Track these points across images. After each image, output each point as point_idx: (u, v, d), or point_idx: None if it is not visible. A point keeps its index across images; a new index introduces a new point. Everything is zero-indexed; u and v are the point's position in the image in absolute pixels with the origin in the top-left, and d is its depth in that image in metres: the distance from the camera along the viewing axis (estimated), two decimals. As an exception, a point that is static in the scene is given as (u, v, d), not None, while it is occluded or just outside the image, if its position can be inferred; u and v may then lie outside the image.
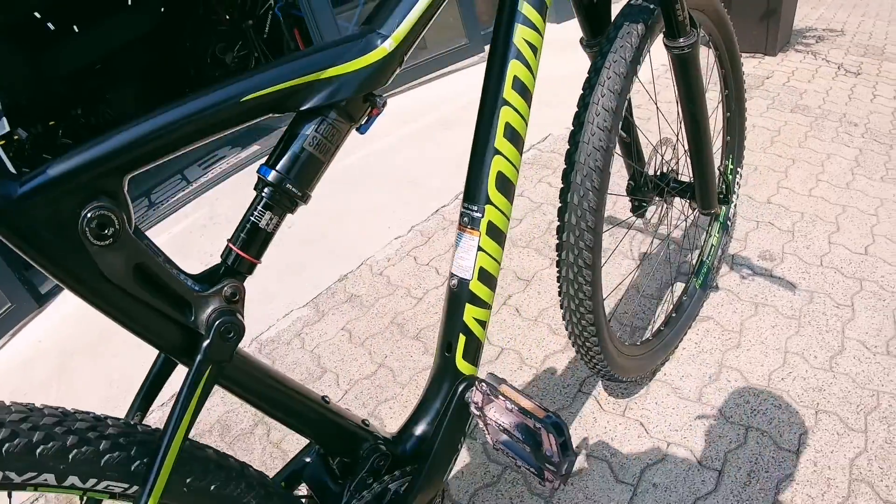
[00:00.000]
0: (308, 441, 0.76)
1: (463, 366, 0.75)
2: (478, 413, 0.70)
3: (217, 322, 0.55)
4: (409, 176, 2.66)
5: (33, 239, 0.51)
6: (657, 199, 1.28)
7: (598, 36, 1.05)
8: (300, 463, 0.77)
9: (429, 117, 3.25)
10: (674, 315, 1.44)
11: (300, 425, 0.70)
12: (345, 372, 1.58)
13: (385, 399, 1.48)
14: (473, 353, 0.75)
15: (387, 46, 0.61)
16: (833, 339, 1.39)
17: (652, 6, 0.95)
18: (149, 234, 2.22)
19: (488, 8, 4.12)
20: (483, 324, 0.75)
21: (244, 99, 0.55)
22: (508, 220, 0.76)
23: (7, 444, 0.48)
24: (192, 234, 2.87)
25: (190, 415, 0.55)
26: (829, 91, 2.75)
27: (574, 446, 1.14)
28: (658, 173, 1.28)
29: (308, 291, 2.00)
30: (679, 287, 1.58)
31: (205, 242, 2.74)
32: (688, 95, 1.08)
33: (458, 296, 0.74)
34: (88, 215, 0.50)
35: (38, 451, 0.49)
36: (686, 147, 1.19)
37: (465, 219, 0.75)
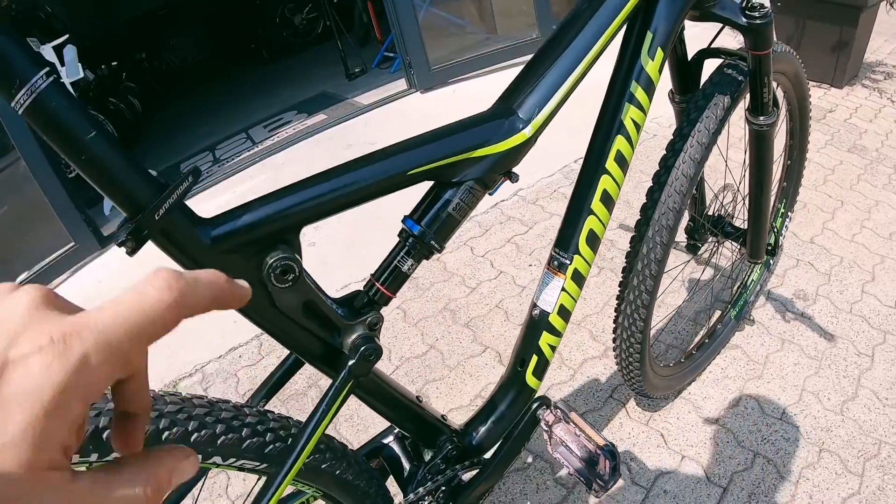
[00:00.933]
0: (389, 424, 0.93)
1: (531, 381, 0.91)
2: (546, 429, 0.87)
3: (362, 347, 0.70)
4: None
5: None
6: (711, 239, 1.42)
7: (687, 94, 1.16)
8: (379, 443, 0.95)
9: None
10: (707, 341, 1.59)
11: (398, 419, 0.87)
12: (397, 349, 1.77)
13: (433, 379, 1.67)
14: (541, 371, 0.91)
15: (526, 132, 0.75)
16: (848, 385, 1.53)
17: (741, 78, 1.04)
18: (212, 190, 2.48)
19: (562, 1, 4.18)
20: (553, 348, 0.90)
21: (410, 172, 0.69)
22: (590, 267, 0.90)
23: (167, 433, 0.61)
24: (256, 195, 3.06)
25: (330, 416, 0.69)
26: (889, 134, 2.81)
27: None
28: (716, 216, 1.42)
29: (368, 267, 2.18)
30: (716, 314, 1.73)
31: None
32: (757, 162, 1.19)
33: (538, 323, 0.89)
34: (272, 262, 0.62)
35: (193, 438, 0.62)
36: (745, 198, 1.33)
37: (555, 262, 0.89)
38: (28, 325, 0.22)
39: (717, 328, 1.63)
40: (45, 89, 0.49)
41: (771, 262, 1.71)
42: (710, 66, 1.12)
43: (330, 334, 0.71)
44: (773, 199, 1.30)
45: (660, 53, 0.87)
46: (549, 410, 0.88)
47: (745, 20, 0.94)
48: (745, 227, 1.36)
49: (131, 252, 0.57)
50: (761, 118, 1.09)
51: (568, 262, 0.88)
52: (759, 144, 1.16)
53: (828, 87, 3.22)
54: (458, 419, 0.96)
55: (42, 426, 0.21)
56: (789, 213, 1.67)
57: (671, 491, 1.34)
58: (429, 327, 1.83)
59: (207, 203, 3.31)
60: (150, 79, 6.53)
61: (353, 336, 0.71)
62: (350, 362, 0.69)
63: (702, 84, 1.09)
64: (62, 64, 3.40)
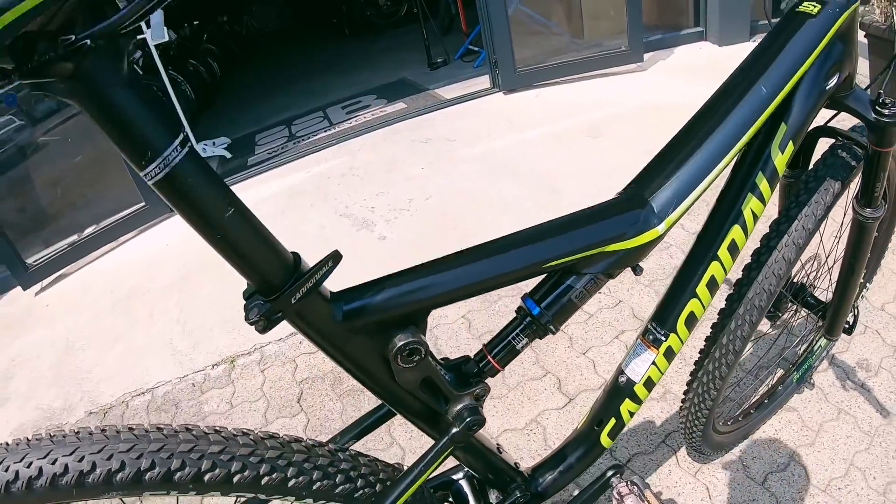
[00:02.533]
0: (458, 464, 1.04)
1: (605, 441, 1.02)
2: (618, 498, 1.00)
3: (469, 419, 0.79)
4: (546, 178, 2.94)
5: (349, 352, 0.70)
6: (791, 305, 1.51)
7: (796, 168, 1.14)
8: (449, 478, 1.05)
9: (574, 120, 3.47)
10: (765, 401, 1.69)
11: (476, 465, 0.97)
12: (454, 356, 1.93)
13: (492, 396, 1.82)
14: (616, 433, 1.02)
15: (660, 229, 0.79)
16: (895, 467, 1.63)
17: (854, 164, 1.03)
18: (286, 167, 2.77)
19: (653, 12, 4.20)
20: (632, 414, 1.01)
21: (546, 265, 0.77)
22: (683, 345, 0.97)
23: (266, 478, 0.64)
24: (330, 179, 3.22)
25: (427, 475, 0.78)
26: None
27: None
28: (799, 284, 1.49)
29: None
30: (778, 373, 1.83)
31: (341, 192, 3.09)
32: (853, 249, 1.21)
33: (622, 390, 0.99)
34: (401, 344, 0.68)
35: (290, 483, 0.67)
36: (830, 269, 1.39)
37: (650, 336, 0.96)
38: None
39: (777, 389, 1.73)
40: (179, 162, 0.49)
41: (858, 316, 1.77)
42: (822, 144, 1.12)
43: (438, 402, 0.81)
44: (855, 293, 1.34)
45: (790, 147, 0.88)
46: (622, 481, 1.01)
47: (874, 116, 0.96)
48: (826, 300, 1.42)
49: (263, 330, 0.62)
50: (867, 210, 1.10)
51: (663, 338, 0.95)
52: (860, 234, 1.17)
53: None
54: (510, 440, 1.09)
55: None
56: (867, 285, 1.74)
57: (710, 544, 1.47)
58: (486, 341, 1.98)
59: (280, 180, 3.53)
60: (231, 42, 6.79)
61: (460, 406, 0.80)
62: (454, 430, 0.79)
63: (814, 163, 1.08)
64: (148, 26, 3.62)
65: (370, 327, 0.69)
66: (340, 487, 0.72)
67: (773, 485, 1.59)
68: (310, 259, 0.67)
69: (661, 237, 0.80)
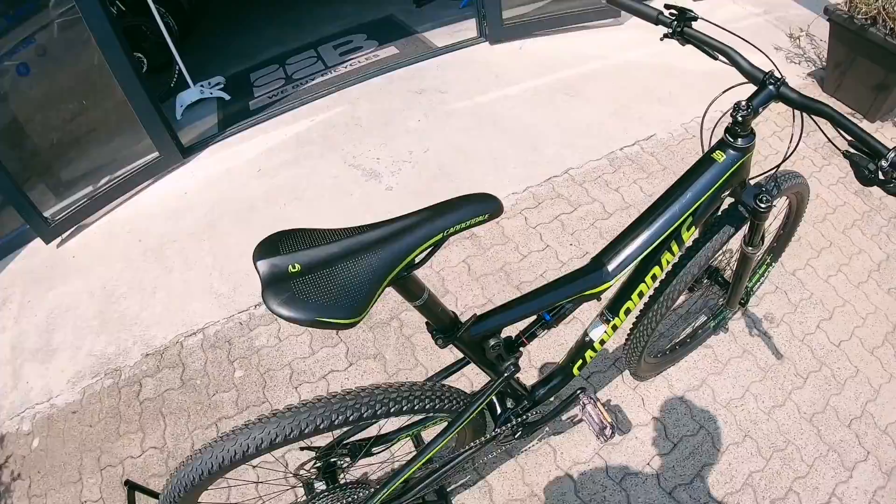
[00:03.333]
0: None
1: (576, 372, 1.61)
2: (582, 406, 1.61)
3: (514, 369, 1.41)
4: (527, 135, 3.34)
5: (472, 346, 1.32)
6: (706, 282, 2.07)
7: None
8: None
9: (553, 77, 3.83)
10: (689, 340, 2.27)
11: (506, 388, 1.57)
12: (462, 297, 2.44)
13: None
14: (582, 368, 1.60)
15: (611, 283, 1.37)
16: (780, 396, 2.24)
17: (746, 216, 1.53)
18: (291, 114, 3.20)
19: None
20: (592, 358, 1.57)
21: (546, 310, 1.37)
22: (622, 324, 1.56)
23: (410, 405, 1.25)
24: (335, 128, 3.44)
25: (490, 394, 1.39)
26: (895, 185, 3.40)
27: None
28: (714, 268, 2.04)
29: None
30: (701, 319, 2.41)
31: (347, 143, 3.35)
32: (739, 268, 1.78)
33: (586, 344, 1.55)
34: (493, 343, 1.35)
35: (419, 405, 1.26)
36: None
37: (604, 318, 1.54)
38: None
39: (698, 332, 2.31)
40: None
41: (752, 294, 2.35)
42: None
43: (500, 362, 1.41)
44: (745, 284, 1.91)
45: (693, 229, 1.45)
46: (586, 395, 1.62)
47: (753, 206, 1.45)
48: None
49: (443, 347, 1.26)
50: (750, 248, 1.64)
51: (611, 319, 1.54)
52: (744, 261, 1.75)
53: (861, 118, 3.63)
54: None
55: None
56: (774, 264, 2.30)
57: (640, 438, 2.07)
58: (488, 283, 2.49)
59: (286, 128, 3.72)
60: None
61: (509, 363, 1.41)
62: (506, 374, 1.40)
63: (720, 211, 1.58)
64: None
65: (482, 338, 1.34)
66: (443, 405, 1.32)
67: (689, 399, 2.19)
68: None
69: (611, 285, 1.39)
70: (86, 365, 2.57)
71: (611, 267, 1.37)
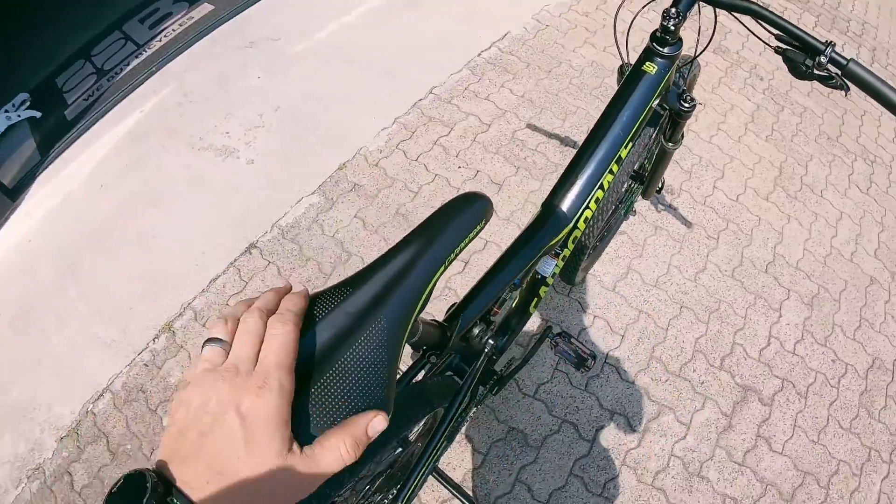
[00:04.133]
0: None
1: (532, 310, 1.57)
2: (554, 343, 1.60)
3: (493, 355, 1.37)
4: (379, 62, 3.18)
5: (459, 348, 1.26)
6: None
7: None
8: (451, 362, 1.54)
9: None
10: (605, 234, 2.34)
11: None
12: (368, 256, 2.35)
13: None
14: (536, 306, 1.57)
15: (571, 225, 1.26)
16: (700, 261, 2.37)
17: (662, 118, 1.56)
18: (114, 112, 2.71)
19: None
20: (545, 293, 1.54)
21: (516, 280, 1.26)
22: (569, 255, 1.52)
23: None
24: (168, 112, 3.08)
25: (481, 370, 1.33)
26: (750, 36, 3.60)
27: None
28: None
29: (313, 179, 2.62)
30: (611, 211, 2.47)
31: (187, 124, 3.01)
32: (657, 163, 1.86)
33: (539, 283, 1.52)
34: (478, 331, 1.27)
35: None
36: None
37: (554, 252, 1.46)
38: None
39: (611, 223, 2.38)
40: None
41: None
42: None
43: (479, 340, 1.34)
44: (663, 174, 1.98)
45: (630, 145, 1.39)
46: (556, 335, 1.61)
47: (678, 107, 1.48)
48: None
49: (435, 361, 1.14)
50: (670, 145, 1.71)
51: (560, 252, 1.48)
52: (662, 155, 1.81)
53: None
54: (434, 310, 1.62)
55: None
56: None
57: (590, 340, 2.13)
58: (389, 232, 2.42)
59: (114, 129, 3.24)
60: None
61: (486, 338, 1.33)
62: (486, 350, 1.34)
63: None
64: None
65: (466, 332, 1.26)
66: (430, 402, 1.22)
67: (621, 289, 2.27)
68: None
69: (574, 228, 1.28)
70: (2, 475, 2.21)
71: (565, 208, 1.29)
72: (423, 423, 1.40)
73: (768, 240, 2.51)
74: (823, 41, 1.10)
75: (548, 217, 1.28)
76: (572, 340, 1.63)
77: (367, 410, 0.58)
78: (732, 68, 3.29)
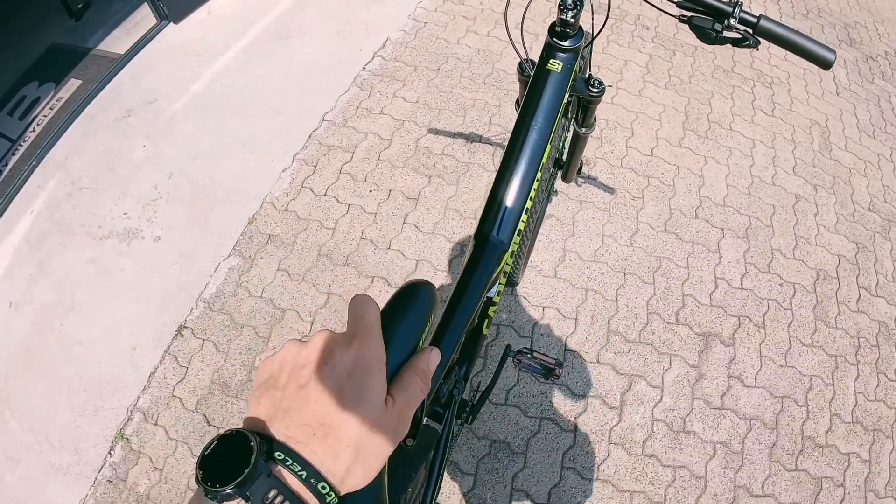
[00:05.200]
0: None
1: (485, 331, 1.56)
2: (517, 361, 1.65)
3: (462, 384, 1.39)
4: (263, 102, 3.19)
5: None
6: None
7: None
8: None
9: (258, 27, 3.66)
10: (533, 222, 2.43)
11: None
12: (302, 307, 2.37)
13: (345, 321, 2.33)
14: (489, 325, 1.56)
15: (509, 248, 1.24)
16: (631, 224, 2.49)
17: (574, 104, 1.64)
18: (4, 219, 2.51)
19: None
20: (494, 313, 1.54)
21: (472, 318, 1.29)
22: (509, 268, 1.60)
23: None
24: (61, 207, 3.01)
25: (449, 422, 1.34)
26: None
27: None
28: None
29: (225, 241, 2.60)
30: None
31: (84, 214, 2.94)
32: (574, 148, 1.92)
33: (488, 304, 1.49)
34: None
35: None
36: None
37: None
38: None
39: (537, 209, 2.48)
40: None
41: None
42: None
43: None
44: (581, 157, 2.05)
45: (550, 147, 1.39)
46: (516, 353, 1.66)
47: (587, 93, 1.52)
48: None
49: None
50: (584, 129, 1.74)
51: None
52: (577, 140, 1.88)
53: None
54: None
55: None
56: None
57: (546, 334, 2.22)
58: (316, 277, 2.45)
59: (8, 238, 3.11)
60: None
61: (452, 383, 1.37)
62: (454, 393, 1.37)
63: None
64: None
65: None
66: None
67: (562, 272, 2.37)
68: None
69: (512, 251, 1.25)
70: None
71: (499, 234, 1.27)
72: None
73: (691, 185, 2.66)
74: (729, 1, 1.11)
75: (484, 249, 1.27)
76: (534, 354, 1.68)
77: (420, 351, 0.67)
78: (617, 24, 3.43)
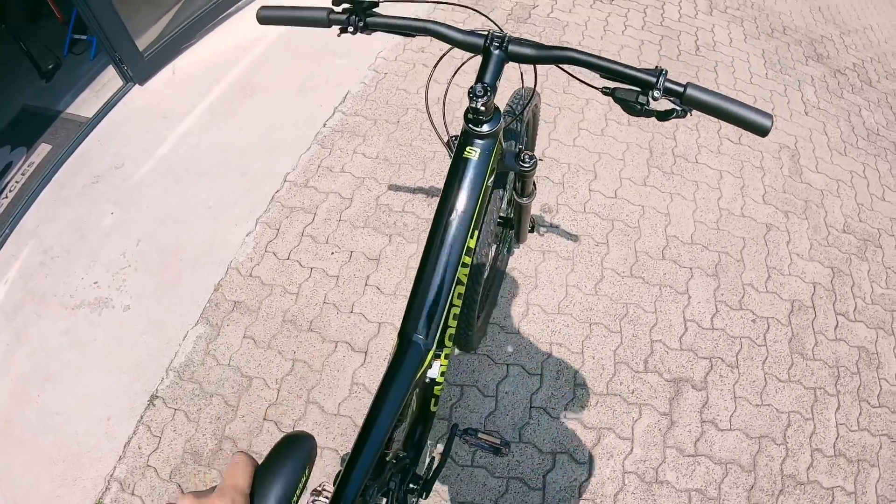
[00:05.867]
0: None
1: (433, 409, 1.62)
2: (464, 439, 1.68)
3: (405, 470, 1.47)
4: (227, 162, 3.26)
5: None
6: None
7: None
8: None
9: (223, 84, 3.74)
10: (494, 278, 2.49)
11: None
12: (268, 375, 2.42)
13: (311, 387, 2.37)
14: (436, 404, 1.61)
15: (433, 349, 1.28)
16: (595, 271, 2.55)
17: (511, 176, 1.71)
18: None
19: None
20: (440, 392, 1.58)
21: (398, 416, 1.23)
22: (451, 352, 1.58)
23: None
24: (34, 277, 3.07)
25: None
26: (588, 22, 3.82)
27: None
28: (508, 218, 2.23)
29: (192, 308, 2.66)
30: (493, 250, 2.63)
31: (55, 284, 3.02)
32: (518, 212, 1.97)
33: (431, 385, 1.52)
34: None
35: None
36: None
37: (440, 355, 1.47)
38: None
39: (498, 265, 2.54)
40: None
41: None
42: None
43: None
44: (529, 220, 2.10)
45: (477, 233, 1.36)
46: (462, 432, 1.68)
47: (518, 168, 1.58)
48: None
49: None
50: (524, 199, 1.81)
51: (442, 353, 1.45)
52: (519, 209, 1.94)
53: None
54: (345, 410, 1.70)
55: None
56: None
57: (510, 392, 2.27)
58: (282, 343, 2.51)
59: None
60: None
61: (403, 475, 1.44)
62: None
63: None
64: None
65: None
66: None
67: (526, 329, 2.43)
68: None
69: (436, 352, 1.29)
70: None
71: (423, 331, 1.28)
72: None
73: (657, 225, 2.72)
74: (653, 69, 1.10)
75: (407, 348, 1.26)
76: (479, 434, 1.71)
77: None
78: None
